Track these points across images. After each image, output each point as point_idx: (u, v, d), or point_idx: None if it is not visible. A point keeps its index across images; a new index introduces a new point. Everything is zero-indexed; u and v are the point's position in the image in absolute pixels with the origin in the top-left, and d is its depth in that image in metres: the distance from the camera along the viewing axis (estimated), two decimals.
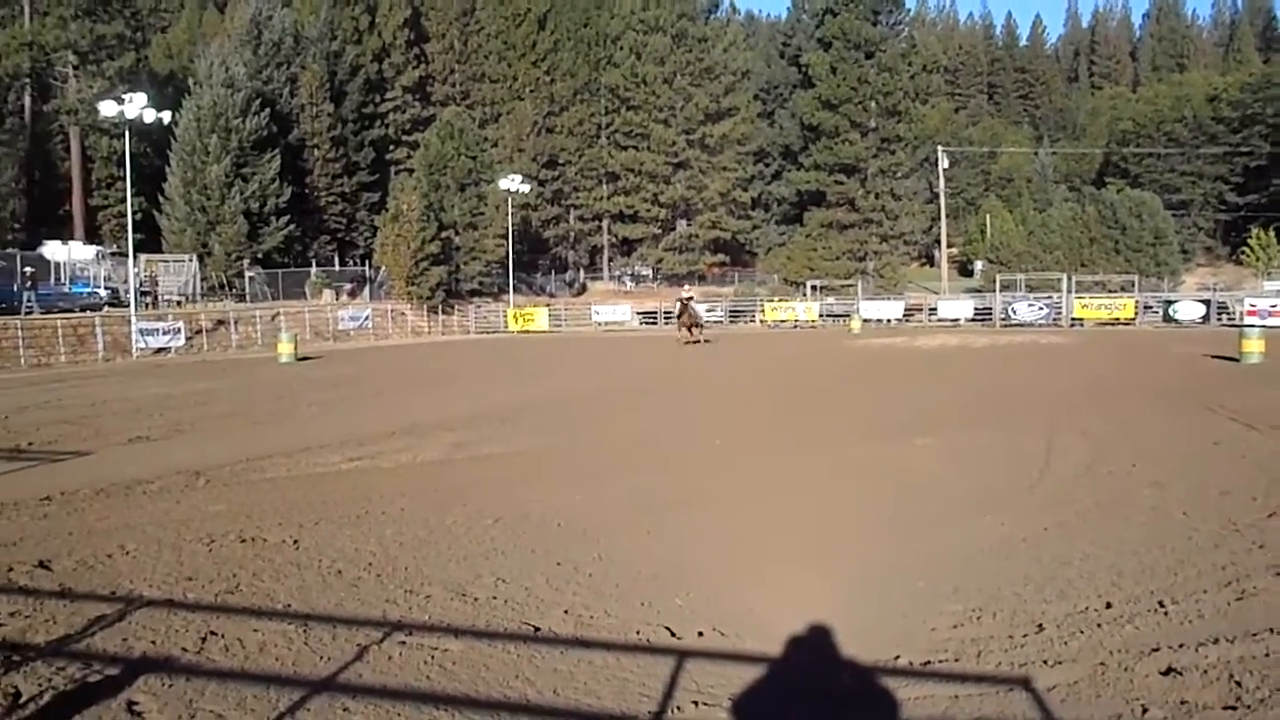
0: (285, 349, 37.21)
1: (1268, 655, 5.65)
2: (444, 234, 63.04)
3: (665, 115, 79.20)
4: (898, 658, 5.85)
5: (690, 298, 43.38)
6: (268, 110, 62.31)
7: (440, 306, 62.38)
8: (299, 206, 64.68)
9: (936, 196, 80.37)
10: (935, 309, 62.40)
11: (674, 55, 78.95)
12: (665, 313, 64.19)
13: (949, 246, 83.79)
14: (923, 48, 79.68)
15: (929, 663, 5.79)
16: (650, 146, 79.52)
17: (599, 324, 63.65)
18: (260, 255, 60.60)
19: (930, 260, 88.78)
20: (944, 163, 78.11)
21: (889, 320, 60.36)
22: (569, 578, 7.62)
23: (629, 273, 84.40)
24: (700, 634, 6.32)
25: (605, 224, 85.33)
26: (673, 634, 6.32)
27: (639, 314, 65.62)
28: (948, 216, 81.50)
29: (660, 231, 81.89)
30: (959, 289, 74.51)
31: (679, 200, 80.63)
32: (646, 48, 79.19)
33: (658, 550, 8.40)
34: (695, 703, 5.31)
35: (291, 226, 62.99)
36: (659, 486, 11.41)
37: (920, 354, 35.76)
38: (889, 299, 65.60)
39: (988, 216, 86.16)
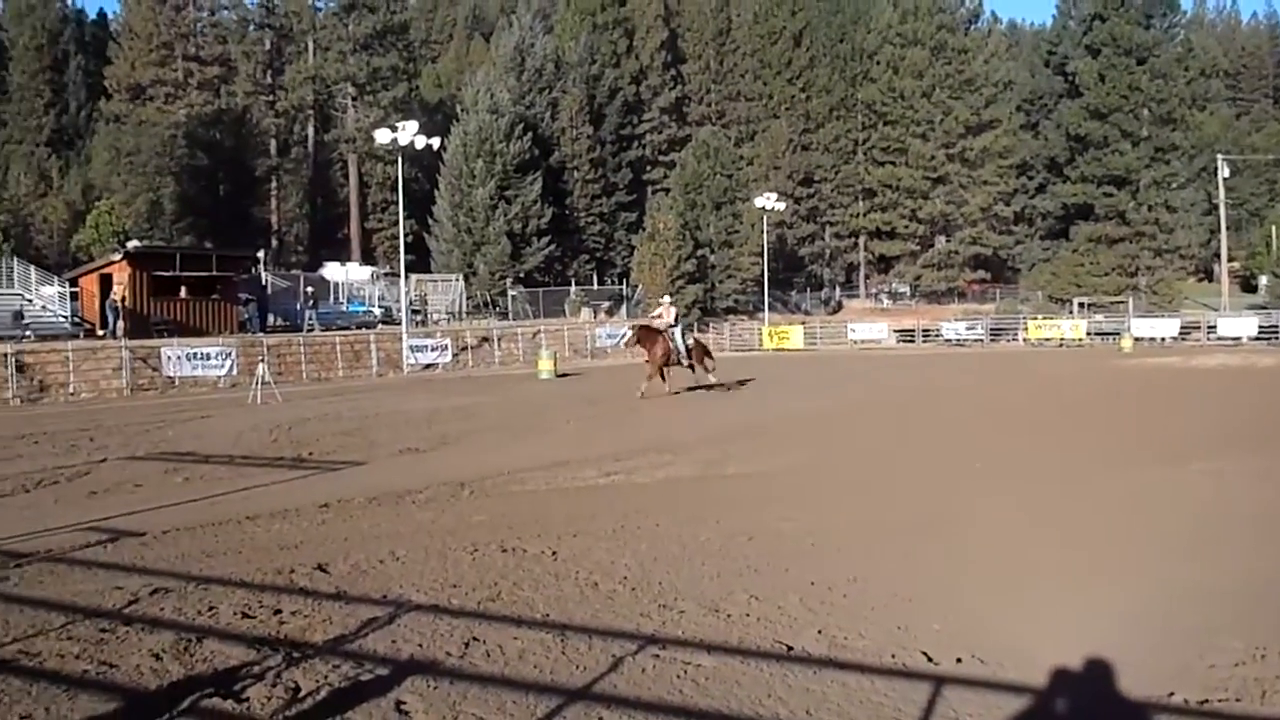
0: (545, 365, 38.23)
1: None
2: (700, 252, 63.69)
3: (923, 129, 77.69)
4: (1172, 694, 5.52)
5: (671, 324, 27.68)
6: (530, 134, 64.42)
7: (696, 324, 62.90)
8: (559, 227, 66.49)
9: (1216, 208, 75.96)
10: (1214, 326, 58.93)
11: (933, 68, 77.40)
12: (923, 331, 62.98)
13: (1230, 260, 78.96)
14: (1200, 51, 75.73)
15: (1206, 701, 5.45)
16: (908, 162, 78.16)
17: (854, 342, 62.89)
18: (522, 275, 62.59)
19: (1209, 275, 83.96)
20: (1224, 172, 73.59)
21: (1163, 339, 57.38)
22: (822, 597, 7.50)
23: (885, 290, 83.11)
24: (959, 660, 6.12)
25: (861, 241, 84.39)
26: (929, 659, 6.14)
27: (896, 332, 64.47)
28: (1228, 228, 76.82)
29: (918, 248, 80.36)
30: (1241, 305, 70.09)
31: (938, 216, 78.92)
32: (904, 61, 77.93)
33: (915, 573, 8.20)
34: None
35: (552, 246, 64.85)
36: (916, 507, 11.18)
37: (1198, 374, 33.90)
38: (1163, 316, 62.40)
39: (1274, 228, 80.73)
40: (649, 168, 79.59)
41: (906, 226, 79.42)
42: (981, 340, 61.29)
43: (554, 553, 9.09)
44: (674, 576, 8.18)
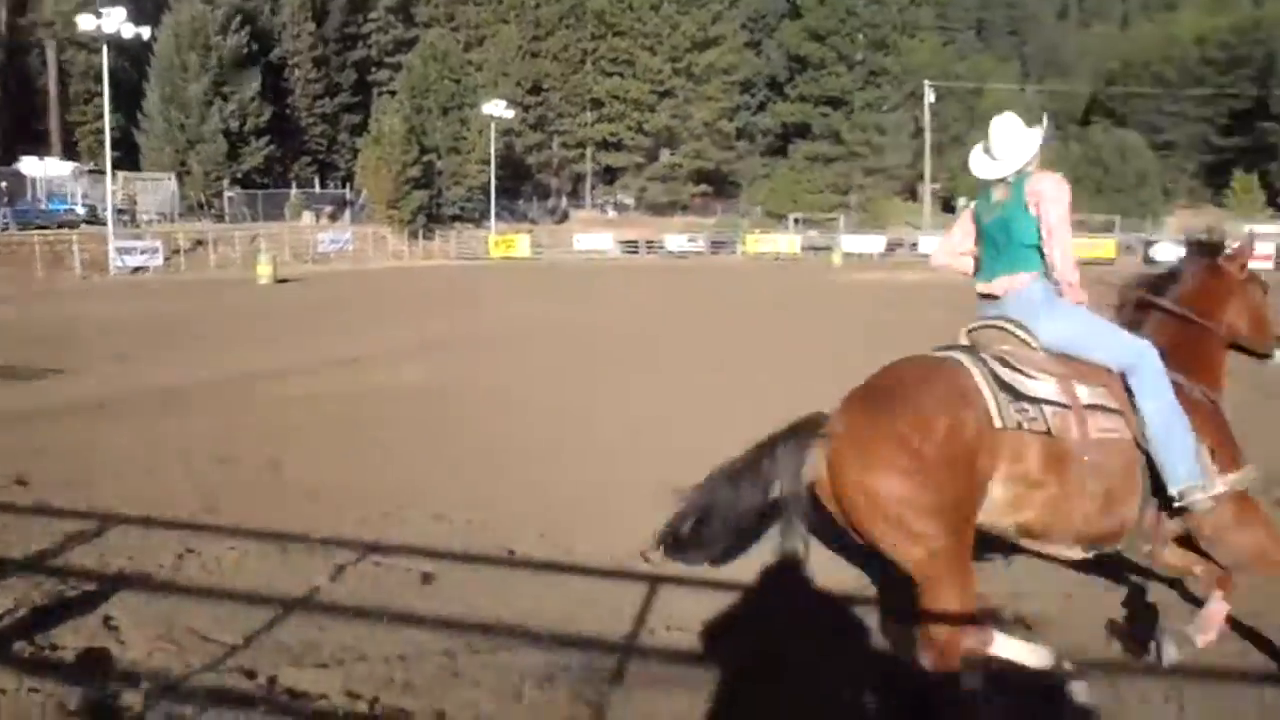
0: (264, 271, 37.09)
1: None
2: (426, 158, 62.46)
3: (651, 42, 78.16)
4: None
5: None
6: (248, 27, 61.64)
7: (421, 231, 61.89)
8: (279, 127, 64.12)
9: (921, 131, 79.95)
10: (916, 244, 62.42)
11: None
12: (647, 243, 64.14)
13: (933, 183, 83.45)
14: None
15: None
16: (636, 74, 78.55)
17: (580, 252, 63.44)
18: (240, 176, 60.19)
19: (914, 195, 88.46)
20: (930, 98, 77.54)
21: (871, 255, 60.38)
22: (546, 502, 7.64)
23: (611, 201, 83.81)
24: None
25: (589, 152, 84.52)
26: (647, 560, 6.27)
27: (621, 243, 65.36)
28: (933, 152, 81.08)
29: (644, 160, 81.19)
30: (941, 225, 74.42)
31: (663, 129, 79.85)
32: None
33: (636, 476, 8.25)
34: (668, 627, 5.36)
35: (272, 147, 62.57)
36: (632, 412, 11.40)
37: (903, 287, 35.87)
38: (872, 233, 65.60)
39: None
40: (374, 69, 77.15)
41: (633, 139, 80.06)
42: (702, 253, 62.95)
43: (275, 464, 8.94)
44: (399, 485, 8.16)
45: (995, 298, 4.83)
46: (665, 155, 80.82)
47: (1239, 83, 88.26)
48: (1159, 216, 76.80)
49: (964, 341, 4.79)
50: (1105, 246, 56.15)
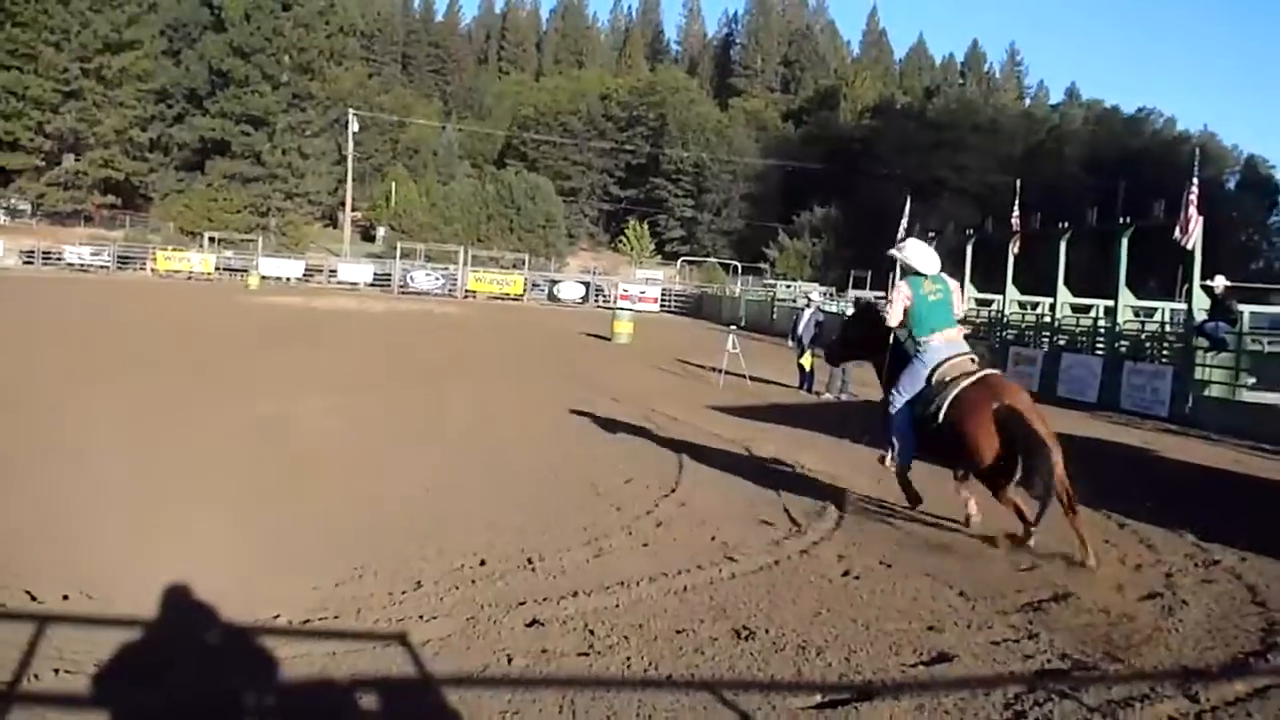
0: None
1: (618, 606, 6.45)
2: None
3: (58, 38, 72.41)
4: (277, 616, 5.98)
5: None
6: None
7: None
8: None
9: (344, 158, 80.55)
10: (336, 271, 62.88)
11: None
12: (44, 254, 59.45)
13: (354, 211, 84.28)
14: (340, 9, 79.66)
15: (308, 620, 5.97)
16: (38, 70, 72.38)
17: None
18: None
19: (334, 222, 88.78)
20: (354, 125, 78.32)
21: (289, 279, 59.99)
22: None
23: (4, 206, 76.49)
24: (65, 597, 6.09)
25: None
26: (33, 598, 6.05)
27: (18, 252, 59.99)
28: (354, 180, 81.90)
29: (44, 164, 74.88)
30: (361, 253, 75.51)
31: (68, 132, 74.21)
32: None
33: (15, 504, 8.06)
34: (56, 670, 5.08)
35: None
36: (17, 437, 10.87)
37: (318, 315, 36.09)
38: (290, 257, 65.19)
39: (394, 184, 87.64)
40: None
41: (32, 140, 73.53)
42: (108, 267, 59.40)
43: None
44: None
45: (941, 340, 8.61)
46: (69, 160, 75.16)
47: (635, 139, 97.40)
48: (563, 257, 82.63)
49: (953, 366, 8.51)
50: (515, 283, 59.52)
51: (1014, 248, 29.22)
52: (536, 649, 5.69)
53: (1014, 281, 30.25)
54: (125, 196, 78.25)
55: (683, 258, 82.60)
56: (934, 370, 8.48)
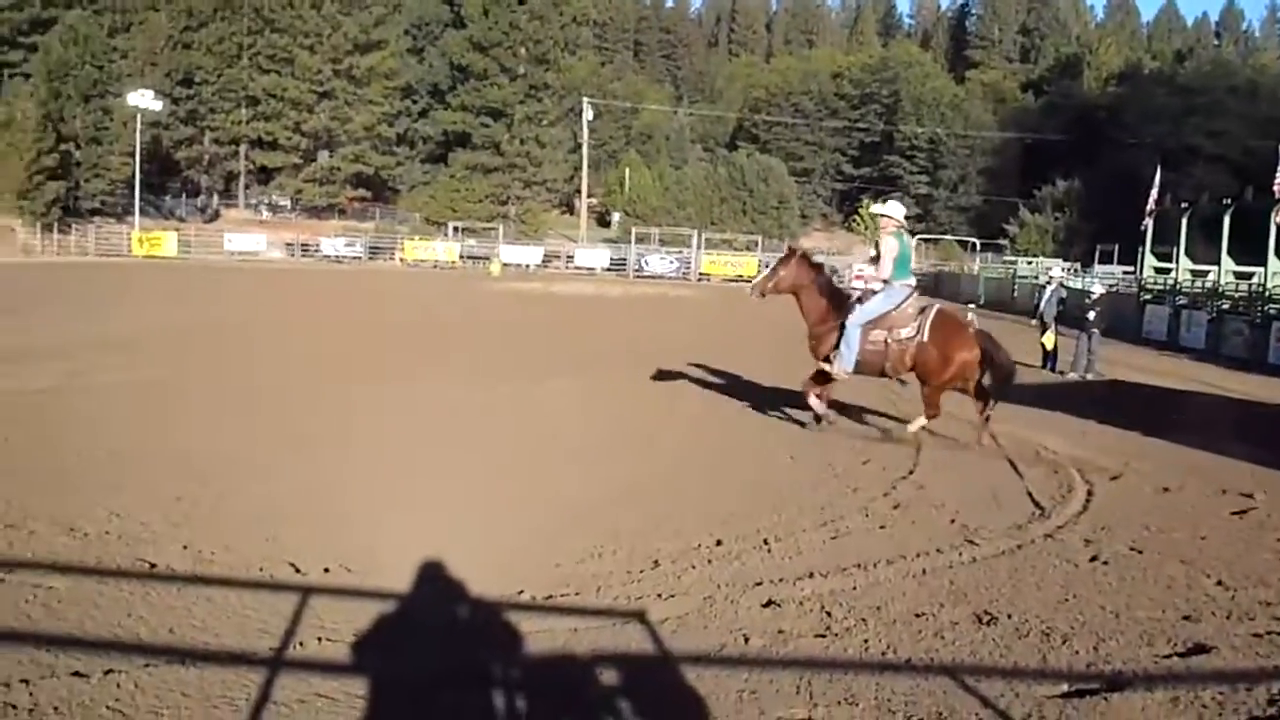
0: None
1: (855, 588, 6.33)
2: (63, 147, 58.70)
3: (311, 41, 76.36)
4: (521, 592, 6.08)
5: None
6: None
7: (56, 225, 58.05)
8: None
9: (580, 147, 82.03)
10: (573, 257, 64.06)
11: None
12: (303, 246, 62.78)
13: (589, 197, 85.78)
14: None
15: (550, 596, 6.06)
16: (295, 73, 76.53)
17: (232, 253, 61.26)
18: None
19: (570, 209, 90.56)
20: (589, 114, 79.69)
21: (528, 265, 61.47)
22: (188, 513, 7.43)
23: (265, 202, 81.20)
24: (326, 570, 6.33)
25: (242, 150, 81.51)
26: (297, 570, 6.29)
27: (279, 245, 63.59)
28: (589, 167, 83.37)
29: (301, 161, 79.07)
30: (596, 239, 76.64)
31: (322, 130, 78.22)
32: None
33: (282, 488, 8.33)
34: (319, 638, 5.30)
35: None
36: (284, 425, 11.30)
37: (557, 301, 36.80)
38: (529, 244, 66.76)
39: (627, 170, 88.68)
40: (6, 49, 71.71)
41: (289, 139, 77.89)
42: (360, 258, 62.19)
43: None
44: (25, 496, 7.66)
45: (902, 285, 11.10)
46: (324, 157, 79.13)
47: (868, 117, 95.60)
48: (796, 238, 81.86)
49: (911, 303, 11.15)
50: (748, 264, 59.34)
51: (1277, 217, 27.34)
52: (773, 629, 5.65)
53: (1277, 253, 28.23)
54: (375, 190, 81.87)
55: (919, 235, 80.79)
56: (899, 305, 11.07)
